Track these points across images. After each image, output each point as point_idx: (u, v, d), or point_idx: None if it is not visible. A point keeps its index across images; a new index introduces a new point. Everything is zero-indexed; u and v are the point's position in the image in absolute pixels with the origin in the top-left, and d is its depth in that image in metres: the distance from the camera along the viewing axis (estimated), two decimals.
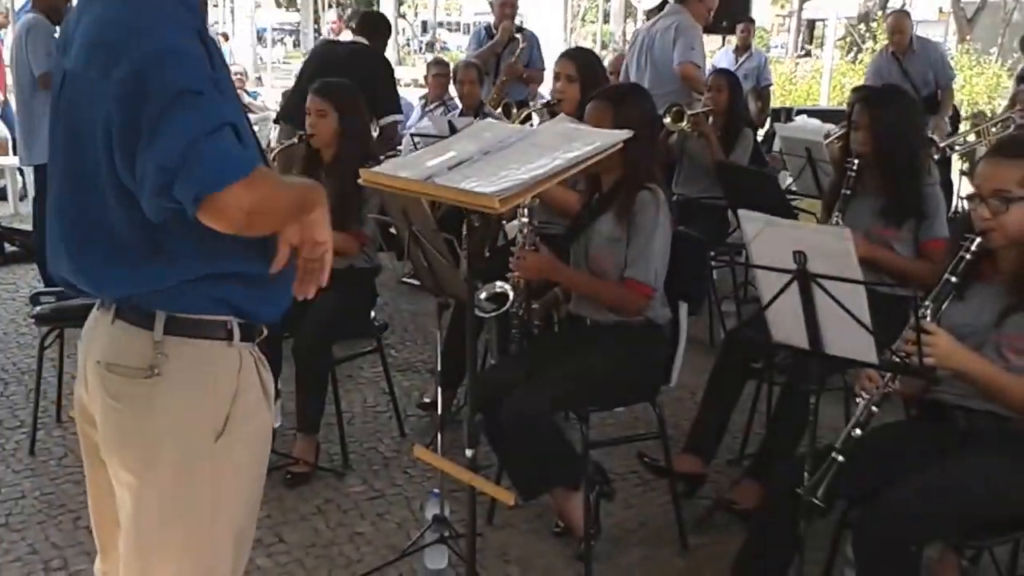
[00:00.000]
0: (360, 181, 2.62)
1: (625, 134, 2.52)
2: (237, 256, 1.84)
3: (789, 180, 5.38)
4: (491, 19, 8.42)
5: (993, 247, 2.61)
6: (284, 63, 38.09)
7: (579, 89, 4.49)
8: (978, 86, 17.44)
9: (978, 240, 2.57)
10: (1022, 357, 2.58)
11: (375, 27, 6.38)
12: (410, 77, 32.35)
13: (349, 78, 4.57)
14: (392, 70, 6.21)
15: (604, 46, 36.36)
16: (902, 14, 8.38)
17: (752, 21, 10.26)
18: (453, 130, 5.00)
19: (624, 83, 4.14)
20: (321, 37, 27.78)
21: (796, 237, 2.39)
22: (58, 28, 6.71)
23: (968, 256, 2.56)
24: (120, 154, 1.70)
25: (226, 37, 24.27)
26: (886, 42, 8.26)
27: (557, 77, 4.62)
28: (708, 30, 11.54)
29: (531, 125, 5.02)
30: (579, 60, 4.63)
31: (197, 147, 1.61)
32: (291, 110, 5.84)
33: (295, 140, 4.46)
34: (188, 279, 1.83)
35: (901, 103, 3.96)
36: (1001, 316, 2.61)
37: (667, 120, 5.82)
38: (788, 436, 3.60)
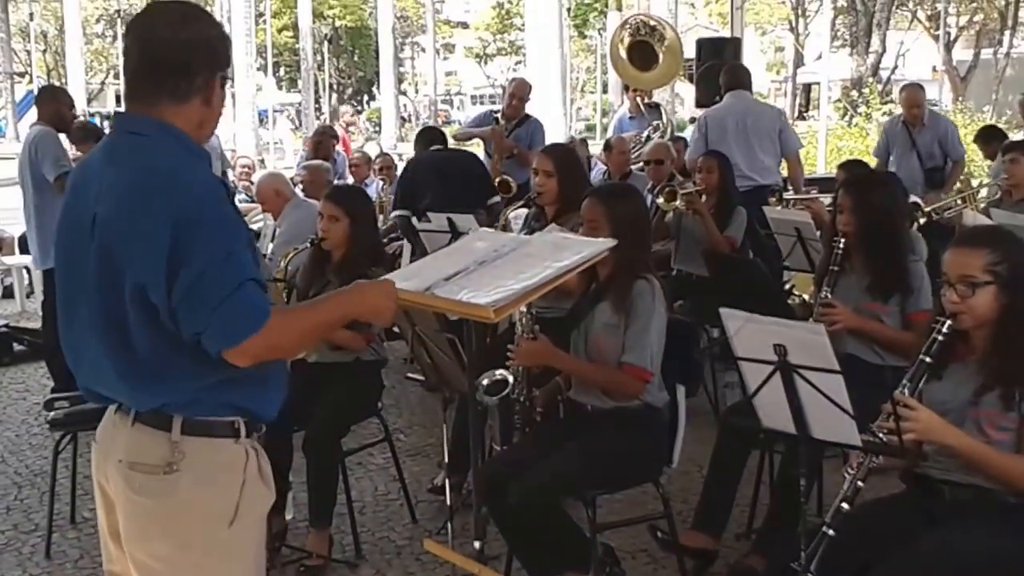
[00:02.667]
0: None
1: (610, 243, 2.70)
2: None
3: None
4: (487, 90, 8.68)
5: (963, 329, 2.76)
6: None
7: (557, 183, 4.69)
8: (972, 145, 17.65)
9: (948, 323, 2.72)
10: (1001, 432, 2.71)
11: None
12: (412, 153, 32.87)
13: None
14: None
15: (604, 114, 36.96)
16: (916, 88, 8.49)
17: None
18: (452, 225, 5.18)
19: (616, 183, 4.35)
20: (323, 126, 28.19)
21: (775, 332, 2.54)
22: (65, 136, 6.96)
23: (940, 338, 2.71)
24: (161, 278, 2.00)
25: None
26: (880, 107, 8.49)
27: (535, 172, 4.82)
28: (701, 104, 11.88)
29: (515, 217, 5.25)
30: (556, 156, 4.83)
31: (219, 311, 1.97)
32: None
33: (307, 245, 4.61)
34: (203, 386, 2.12)
35: (883, 187, 4.18)
36: (976, 394, 2.75)
37: (660, 201, 5.99)
38: (791, 507, 3.70)
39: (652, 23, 10.18)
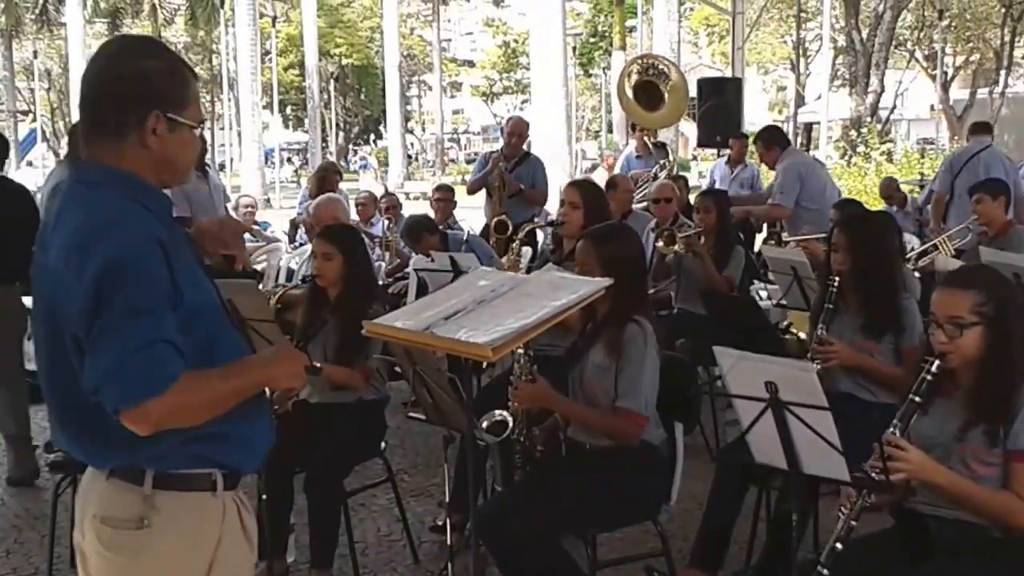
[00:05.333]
0: (364, 332, 2.85)
1: (606, 282, 2.77)
2: (219, 419, 2.04)
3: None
4: (492, 130, 8.81)
5: (950, 368, 2.82)
6: (291, 182, 38.93)
7: (582, 215, 4.82)
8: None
9: (937, 362, 2.77)
10: (985, 467, 2.78)
11: None
12: (419, 191, 33.04)
13: None
14: None
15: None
16: None
17: (745, 136, 10.63)
18: (454, 264, 5.26)
19: (611, 223, 4.42)
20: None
21: (766, 369, 2.61)
22: None
23: (928, 377, 2.77)
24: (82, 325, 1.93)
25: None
26: (879, 147, 8.59)
27: (562, 203, 4.93)
28: (702, 144, 12.02)
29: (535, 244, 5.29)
30: (584, 190, 4.98)
31: (116, 369, 1.88)
32: None
33: (299, 283, 4.65)
34: (166, 445, 2.02)
35: (878, 226, 4.26)
36: (962, 430, 2.81)
37: (659, 244, 6.07)
38: (788, 544, 3.74)
39: (660, 65, 10.33)
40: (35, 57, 39.40)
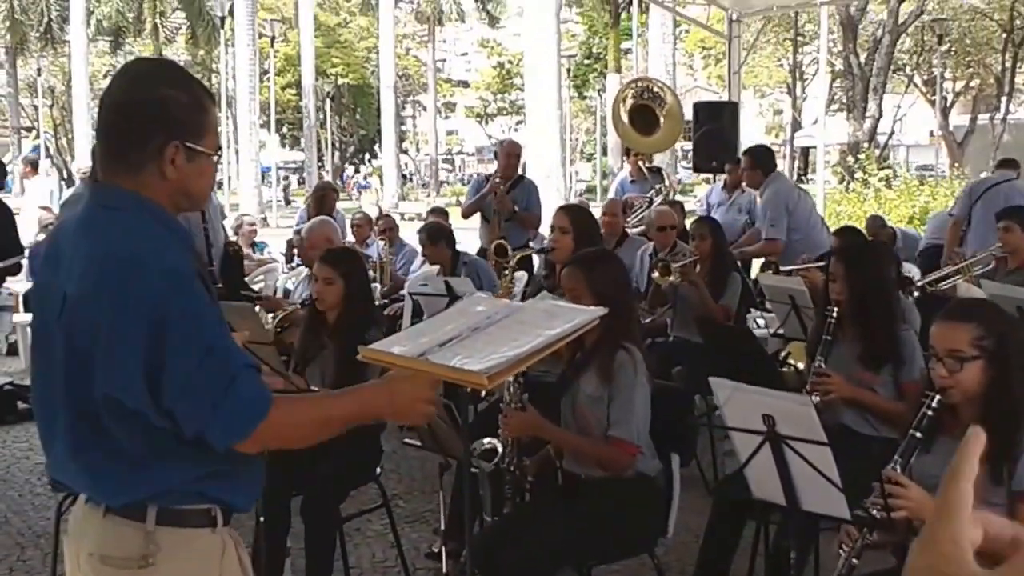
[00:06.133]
0: (359, 357, 2.81)
1: (600, 311, 2.73)
2: (223, 455, 2.00)
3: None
4: (486, 151, 8.81)
5: (952, 403, 2.79)
6: (289, 201, 39.03)
7: (572, 240, 4.79)
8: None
9: (937, 397, 2.74)
10: (988, 507, 2.67)
11: None
12: (413, 211, 33.10)
13: None
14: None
15: (604, 176, 37.29)
16: None
17: (738, 161, 10.61)
18: (450, 289, 5.23)
19: (595, 249, 4.39)
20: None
21: (763, 402, 2.57)
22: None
23: (929, 412, 2.73)
24: (138, 385, 1.89)
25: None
26: (877, 173, 8.52)
27: (553, 228, 4.89)
28: (698, 168, 12.01)
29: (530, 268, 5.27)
30: (574, 215, 4.97)
31: (220, 409, 1.89)
32: None
33: (298, 306, 4.65)
34: (182, 480, 2.01)
35: (876, 256, 4.24)
36: None
37: (655, 274, 6.05)
38: None
39: (655, 88, 10.32)
40: (39, 74, 39.80)
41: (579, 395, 3.65)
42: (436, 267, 7.82)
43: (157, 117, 2.00)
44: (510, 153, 8.60)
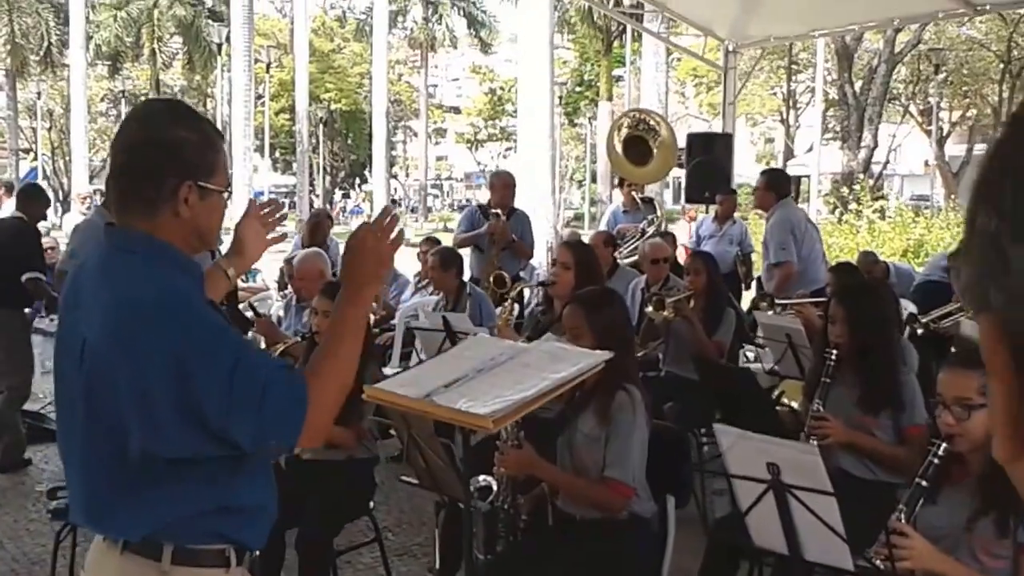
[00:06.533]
0: (364, 396, 2.80)
1: (605, 355, 2.73)
2: (238, 490, 2.05)
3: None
4: (475, 177, 8.79)
5: (959, 452, 2.77)
6: (280, 225, 38.97)
7: (573, 276, 4.81)
8: None
9: (944, 445, 2.72)
10: (994, 559, 2.69)
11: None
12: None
13: None
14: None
15: (593, 203, 37.39)
16: None
17: (734, 192, 10.66)
18: (447, 324, 5.20)
19: (598, 288, 4.37)
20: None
21: (768, 450, 2.56)
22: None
23: (936, 460, 2.71)
24: (176, 438, 1.93)
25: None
26: (871, 204, 8.44)
27: (554, 262, 4.91)
28: (691, 199, 12.05)
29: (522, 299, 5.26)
30: (577, 251, 4.99)
31: (265, 423, 1.94)
32: None
33: (298, 339, 4.64)
34: (196, 513, 2.01)
35: (876, 298, 4.21)
36: (971, 519, 2.74)
37: (649, 310, 6.04)
38: None
39: (650, 120, 10.36)
40: (39, 98, 40.06)
41: (576, 434, 3.63)
42: (430, 298, 7.83)
43: (171, 158, 2.03)
44: (507, 184, 8.60)
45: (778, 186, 7.84)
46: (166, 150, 2.02)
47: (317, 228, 9.75)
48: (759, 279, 10.48)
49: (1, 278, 6.69)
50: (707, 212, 11.66)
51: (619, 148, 10.17)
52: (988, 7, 9.08)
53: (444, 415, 2.57)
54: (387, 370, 6.83)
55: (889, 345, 4.03)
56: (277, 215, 2.70)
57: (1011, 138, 0.66)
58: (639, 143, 10.17)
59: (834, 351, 3.99)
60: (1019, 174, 0.66)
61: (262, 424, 1.93)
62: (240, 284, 9.85)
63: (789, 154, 37.73)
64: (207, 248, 2.22)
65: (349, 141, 52.70)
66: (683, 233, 12.58)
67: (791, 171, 36.34)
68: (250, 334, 6.32)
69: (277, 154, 49.54)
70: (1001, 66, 29.97)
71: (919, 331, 5.99)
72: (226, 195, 2.16)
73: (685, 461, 3.91)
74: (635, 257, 8.64)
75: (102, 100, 46.04)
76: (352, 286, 2.16)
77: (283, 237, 3.06)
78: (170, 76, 43.17)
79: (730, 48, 10.84)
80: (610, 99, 33.26)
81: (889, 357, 3.98)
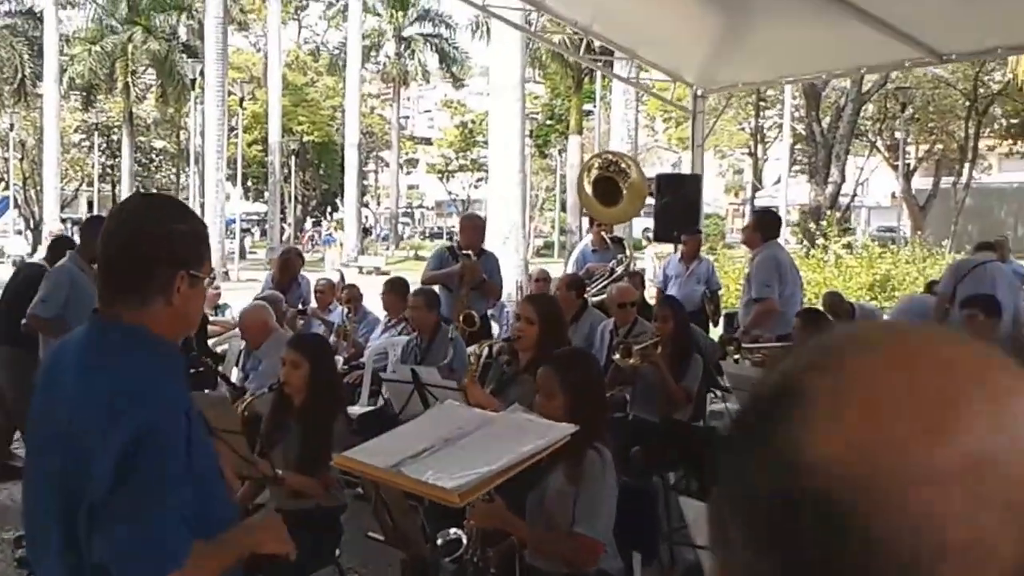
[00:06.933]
0: (333, 463, 2.84)
1: (571, 428, 2.78)
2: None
3: None
4: (446, 206, 8.85)
5: None
6: (251, 252, 39.01)
7: (537, 331, 4.82)
8: (932, 277, 18.01)
9: None
10: None
11: None
12: (372, 265, 33.08)
13: None
14: None
15: (563, 232, 37.56)
16: None
17: (698, 232, 10.75)
18: (416, 377, 5.20)
19: (571, 349, 4.42)
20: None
21: None
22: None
23: None
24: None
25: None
26: (839, 240, 8.55)
27: (518, 317, 4.93)
28: (659, 238, 12.16)
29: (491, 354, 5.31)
30: (540, 306, 4.99)
31: (135, 546, 1.93)
32: None
33: (265, 390, 4.67)
34: None
35: None
36: None
37: (617, 356, 6.10)
38: None
39: (621, 163, 10.50)
40: (11, 129, 39.91)
41: (547, 490, 3.66)
42: (400, 338, 7.86)
43: (167, 250, 2.11)
44: (476, 226, 8.71)
45: (766, 228, 8.00)
46: (163, 244, 2.10)
47: (287, 266, 9.76)
48: (728, 316, 10.64)
49: (18, 320, 6.65)
50: (676, 251, 11.77)
51: (589, 189, 10.29)
52: (953, 56, 9.27)
53: (412, 487, 2.62)
54: (356, 408, 6.88)
55: None
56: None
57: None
58: (609, 183, 10.29)
59: None
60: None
61: (136, 544, 1.92)
62: (211, 317, 9.85)
63: (758, 186, 38.14)
64: (189, 332, 2.32)
65: (321, 171, 52.77)
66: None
67: (760, 202, 36.83)
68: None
69: (249, 183, 49.57)
70: (967, 104, 30.40)
71: None
72: (209, 281, 2.24)
73: (652, 517, 3.94)
74: (604, 296, 8.72)
75: (75, 131, 45.98)
76: (255, 533, 2.41)
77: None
78: (143, 109, 43.17)
79: (698, 92, 10.99)
80: (580, 133, 33.55)
81: None
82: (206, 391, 4.75)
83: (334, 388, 4.74)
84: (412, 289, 8.04)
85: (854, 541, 0.55)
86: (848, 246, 19.50)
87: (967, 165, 31.48)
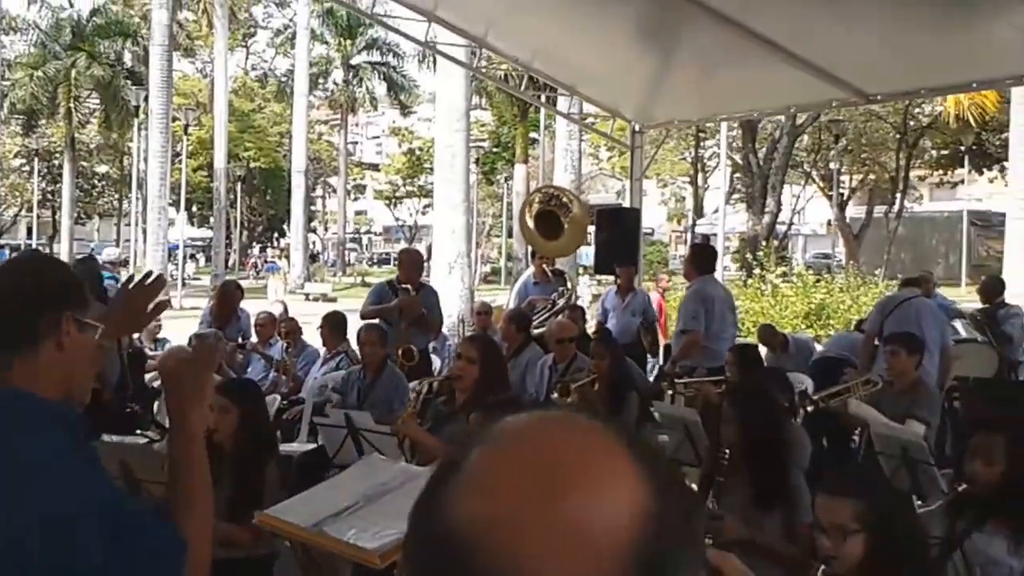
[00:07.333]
0: (254, 521, 2.85)
1: None
2: None
3: None
4: (394, 231, 8.88)
5: (837, 575, 2.87)
6: (195, 279, 38.60)
7: (477, 371, 4.86)
8: (865, 305, 18.31)
9: (823, 568, 2.84)
10: None
11: None
12: (319, 292, 32.84)
13: None
14: None
15: (509, 258, 37.63)
16: None
17: (632, 264, 10.86)
18: (349, 421, 5.20)
19: (507, 397, 4.46)
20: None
21: None
22: None
23: None
24: None
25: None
26: (774, 269, 8.69)
27: (459, 356, 4.96)
28: (599, 271, 12.29)
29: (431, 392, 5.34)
30: (481, 346, 5.03)
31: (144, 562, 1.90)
32: None
33: None
34: None
35: (766, 400, 4.38)
36: None
37: (555, 396, 6.17)
38: None
39: (563, 198, 10.62)
40: None
41: None
42: (338, 372, 7.85)
43: (49, 293, 2.05)
44: (415, 261, 8.75)
45: (699, 262, 8.21)
46: (46, 287, 2.05)
47: (225, 299, 9.69)
48: (667, 347, 10.75)
49: None
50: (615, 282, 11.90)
51: (531, 223, 10.38)
52: (879, 97, 9.54)
53: (333, 547, 2.63)
54: (295, 446, 6.83)
55: (779, 446, 4.15)
56: (159, 287, 2.71)
57: None
58: (551, 217, 10.39)
59: (727, 451, 4.14)
60: None
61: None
62: (148, 353, 9.72)
63: (699, 213, 38.60)
64: (81, 399, 2.13)
65: (268, 197, 52.46)
66: None
67: (700, 229, 37.30)
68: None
69: (195, 209, 49.11)
70: (898, 136, 31.26)
71: (809, 408, 6.20)
72: (98, 334, 2.12)
73: None
74: (543, 330, 8.80)
75: (15, 156, 45.29)
76: (176, 415, 2.12)
77: (167, 303, 3.07)
78: (86, 134, 42.71)
79: (636, 128, 11.15)
80: (525, 161, 33.70)
81: (780, 458, 4.11)
82: (125, 439, 4.66)
83: (265, 434, 4.72)
84: (348, 322, 8.04)
85: None
86: (785, 275, 19.79)
87: (899, 195, 32.29)
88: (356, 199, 61.51)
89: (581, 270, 15.21)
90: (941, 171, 36.72)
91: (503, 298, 13.72)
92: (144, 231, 29.08)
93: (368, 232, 70.23)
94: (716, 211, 31.45)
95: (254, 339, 9.60)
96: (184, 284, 29.70)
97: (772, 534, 4.01)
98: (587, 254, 17.98)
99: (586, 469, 0.78)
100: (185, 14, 39.71)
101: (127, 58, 39.35)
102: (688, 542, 0.80)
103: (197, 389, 2.14)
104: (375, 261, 56.04)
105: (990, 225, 34.32)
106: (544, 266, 10.63)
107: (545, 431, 0.82)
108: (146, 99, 28.71)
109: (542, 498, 0.76)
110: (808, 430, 6.28)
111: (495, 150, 44.05)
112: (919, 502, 4.05)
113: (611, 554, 0.75)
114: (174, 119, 30.24)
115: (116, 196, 49.15)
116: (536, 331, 8.85)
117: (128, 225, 38.42)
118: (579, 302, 11.81)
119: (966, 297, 17.20)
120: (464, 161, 18.12)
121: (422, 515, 0.81)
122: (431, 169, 33.96)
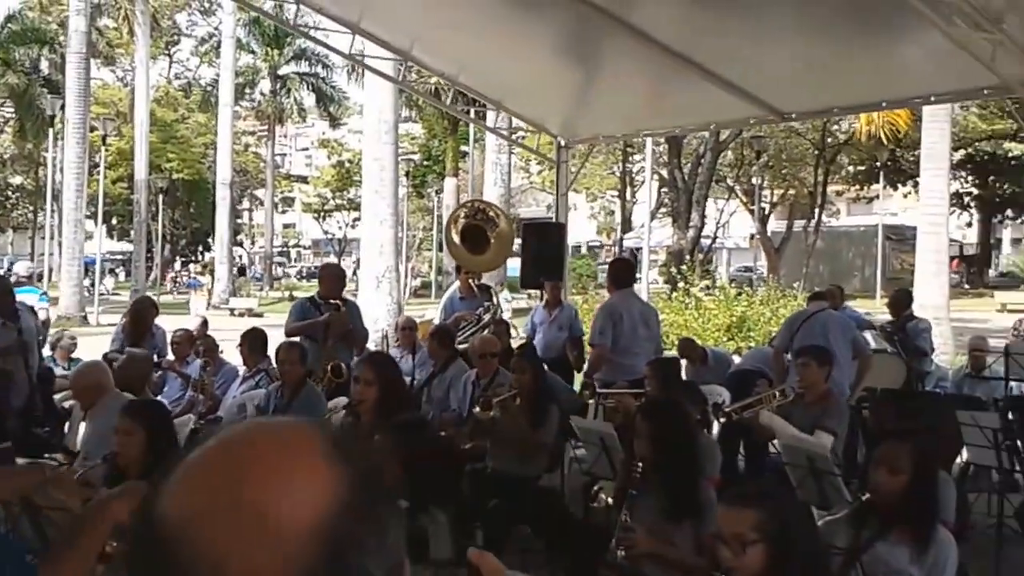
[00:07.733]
0: None
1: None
2: None
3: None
4: (323, 244, 8.84)
5: None
6: (114, 294, 37.72)
7: (376, 391, 4.81)
8: (784, 318, 18.64)
9: None
10: None
11: None
12: (244, 307, 32.34)
13: None
14: None
15: (440, 272, 37.60)
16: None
17: (559, 279, 10.92)
18: None
19: (409, 417, 4.45)
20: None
21: None
22: None
23: None
24: None
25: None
26: (698, 283, 8.84)
27: (357, 380, 4.90)
28: (526, 285, 12.34)
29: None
30: (377, 366, 4.98)
31: None
32: None
33: (98, 462, 4.39)
34: None
35: (678, 415, 4.45)
36: None
37: (477, 410, 6.18)
38: None
39: (489, 212, 10.66)
40: None
41: None
42: (258, 391, 7.76)
43: None
44: (338, 276, 8.71)
45: (615, 276, 8.46)
46: None
47: (139, 316, 9.43)
48: None
49: None
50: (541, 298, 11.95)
51: (456, 238, 10.40)
52: (794, 115, 9.78)
53: None
54: None
55: (690, 460, 4.24)
56: None
57: None
58: (477, 231, 10.42)
59: (639, 464, 4.20)
60: None
61: None
62: (59, 373, 9.48)
63: (627, 227, 39.02)
64: None
65: (192, 209, 51.60)
66: None
67: (629, 243, 37.70)
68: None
69: (115, 221, 48.12)
70: (816, 153, 32.22)
71: (723, 420, 6.32)
72: None
73: None
74: (467, 345, 8.80)
75: None
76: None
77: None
78: (0, 144, 41.67)
79: (562, 143, 11.24)
80: (456, 175, 33.79)
81: (690, 472, 4.20)
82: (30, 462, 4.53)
83: (175, 456, 4.60)
84: (269, 339, 7.96)
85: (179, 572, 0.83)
86: (708, 288, 20.10)
87: (817, 209, 33.13)
88: (284, 212, 60.93)
89: (499, 287, 15.30)
90: (858, 186, 37.97)
91: (433, 312, 13.69)
92: (60, 244, 28.40)
93: (297, 246, 69.61)
94: (642, 226, 31.87)
95: (170, 357, 9.38)
96: (98, 301, 29.04)
97: (683, 546, 4.09)
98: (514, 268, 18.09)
99: (275, 463, 0.86)
100: (105, 21, 38.85)
101: (44, 65, 38.51)
102: (375, 529, 0.87)
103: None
104: (304, 275, 55.52)
105: (904, 239, 35.26)
106: (470, 281, 10.64)
107: (243, 434, 0.92)
108: (62, 108, 28.05)
109: (231, 490, 0.84)
110: (724, 442, 6.45)
111: (426, 163, 43.99)
112: (824, 512, 4.14)
113: (294, 537, 0.83)
114: (92, 129, 29.58)
115: (31, 208, 47.99)
116: (461, 346, 8.85)
117: (43, 238, 37.46)
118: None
119: (881, 309, 17.58)
120: (393, 174, 18.10)
121: (137, 521, 0.89)
122: (361, 182, 33.89)
